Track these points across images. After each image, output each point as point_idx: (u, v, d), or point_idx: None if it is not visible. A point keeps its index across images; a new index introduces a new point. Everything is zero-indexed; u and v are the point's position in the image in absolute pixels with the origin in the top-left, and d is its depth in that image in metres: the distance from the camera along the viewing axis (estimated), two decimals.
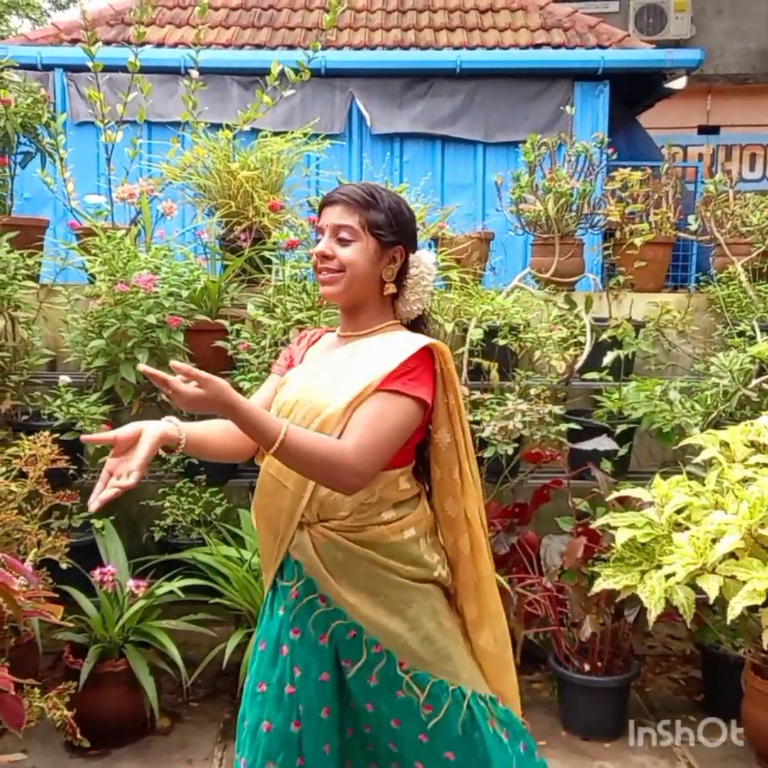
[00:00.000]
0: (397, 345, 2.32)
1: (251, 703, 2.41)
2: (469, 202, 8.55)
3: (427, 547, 2.40)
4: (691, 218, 5.18)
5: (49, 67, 8.78)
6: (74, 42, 8.93)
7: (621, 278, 4.84)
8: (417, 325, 2.49)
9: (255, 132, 5.14)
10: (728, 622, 3.20)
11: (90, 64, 4.77)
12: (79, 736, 3.19)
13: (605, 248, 5.34)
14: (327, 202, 2.35)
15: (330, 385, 2.28)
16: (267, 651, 2.40)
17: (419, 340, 2.33)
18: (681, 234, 5.29)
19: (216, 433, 2.31)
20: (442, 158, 9.16)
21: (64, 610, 3.21)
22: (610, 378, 4.36)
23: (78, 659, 3.75)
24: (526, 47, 9.15)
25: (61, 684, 3.31)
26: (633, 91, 9.51)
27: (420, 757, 2.30)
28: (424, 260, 2.43)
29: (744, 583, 3.18)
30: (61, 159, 4.87)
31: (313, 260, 2.38)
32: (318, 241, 2.37)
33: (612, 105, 9.10)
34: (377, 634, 2.29)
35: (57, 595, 3.33)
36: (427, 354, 2.32)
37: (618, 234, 5.14)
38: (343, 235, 2.31)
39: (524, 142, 5.36)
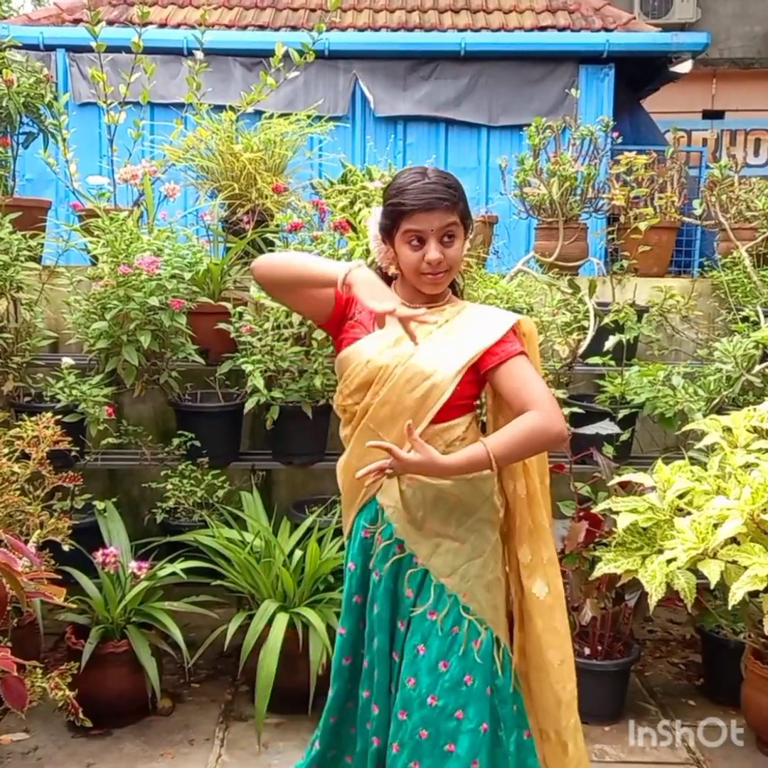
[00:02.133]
0: (493, 318, 2.55)
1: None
2: (472, 186, 8.51)
3: (495, 488, 2.61)
4: (695, 203, 5.17)
5: (51, 48, 8.79)
6: (76, 22, 8.91)
7: (625, 263, 4.82)
8: (453, 290, 2.67)
9: (258, 114, 5.13)
10: (729, 608, 3.20)
11: (93, 44, 4.75)
12: (81, 716, 3.19)
13: (609, 232, 5.33)
14: (425, 208, 2.39)
15: (434, 354, 2.46)
16: (356, 571, 2.67)
17: (510, 314, 2.59)
18: (686, 219, 5.27)
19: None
20: (445, 141, 9.18)
21: (66, 591, 3.23)
22: (613, 363, 4.36)
23: (80, 640, 3.76)
24: (531, 30, 9.15)
25: (63, 664, 3.32)
26: (638, 74, 9.51)
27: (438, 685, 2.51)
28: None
29: (745, 568, 3.18)
30: (64, 140, 4.86)
31: (413, 264, 2.45)
32: (417, 246, 2.43)
33: (617, 89, 9.09)
34: (446, 580, 2.52)
35: (59, 577, 3.33)
36: None
37: (622, 218, 5.13)
38: (447, 237, 2.44)
39: (528, 125, 5.33)
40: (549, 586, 2.62)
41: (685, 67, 9.16)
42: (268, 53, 5.05)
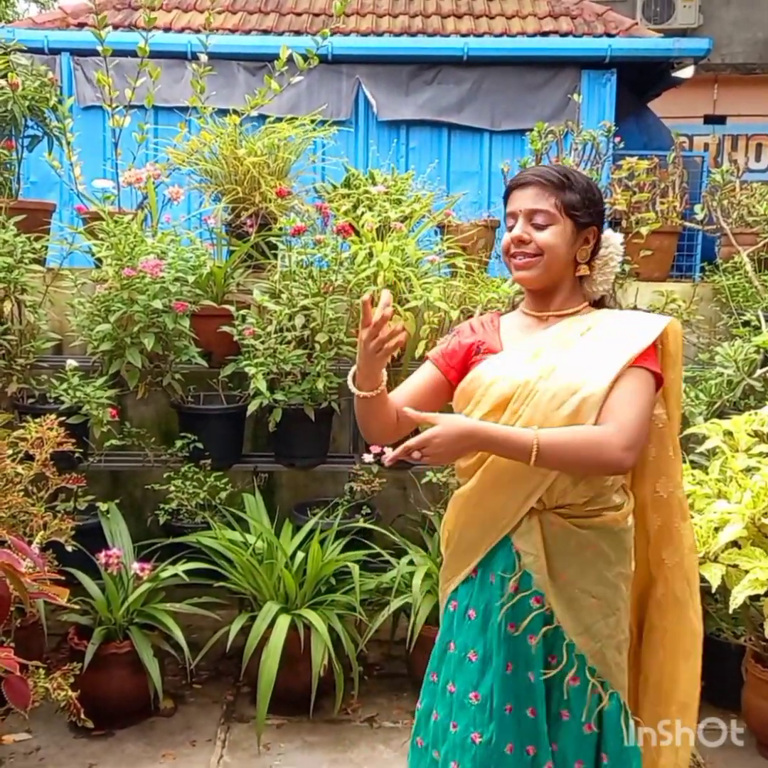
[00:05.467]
0: (639, 323, 2.32)
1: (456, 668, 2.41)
2: (475, 190, 8.53)
3: (632, 543, 2.41)
4: (697, 207, 5.18)
5: (55, 51, 8.75)
6: (81, 26, 8.91)
7: (626, 267, 4.83)
8: (599, 305, 2.47)
9: (262, 118, 5.14)
10: (730, 611, 3.22)
11: (99, 48, 4.75)
12: (83, 716, 3.19)
13: None
14: (517, 185, 2.33)
15: (580, 364, 2.24)
16: (476, 620, 2.39)
17: (660, 318, 2.35)
18: (687, 223, 5.28)
19: (393, 408, 2.38)
20: (448, 146, 9.13)
21: (69, 592, 3.23)
22: None
23: (82, 641, 3.78)
24: (534, 35, 9.11)
25: (66, 665, 3.32)
26: (641, 79, 9.48)
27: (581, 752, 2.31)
28: (613, 241, 2.43)
29: (746, 572, 3.19)
30: (68, 143, 4.86)
31: (504, 245, 2.36)
32: (511, 227, 2.34)
33: (620, 92, 9.06)
34: (576, 638, 2.29)
35: (62, 578, 3.34)
36: None
37: (624, 223, 5.13)
38: (539, 219, 2.30)
39: (531, 130, 5.33)
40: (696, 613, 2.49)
41: (687, 72, 9.14)
42: (272, 57, 5.06)
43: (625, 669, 2.38)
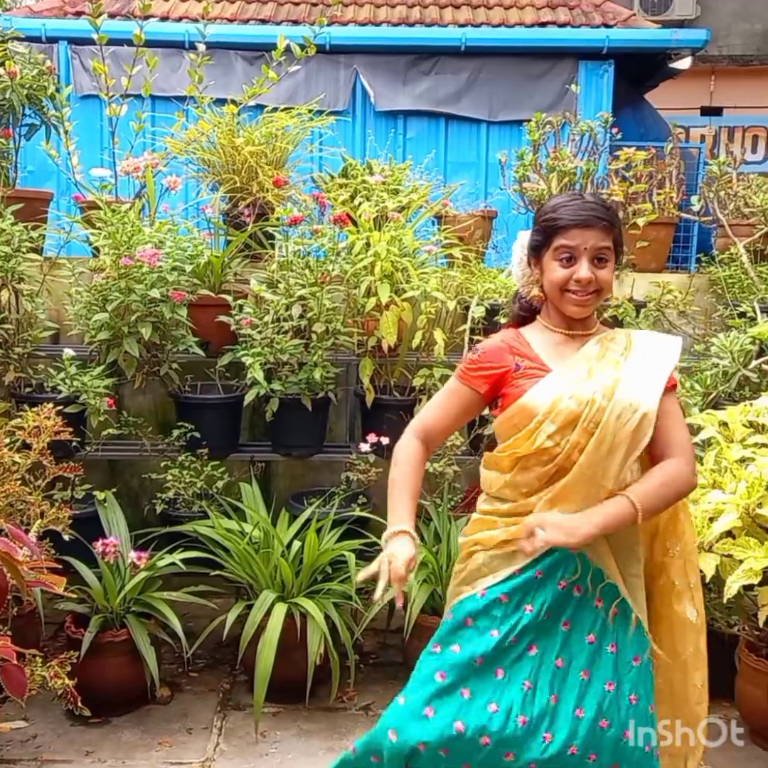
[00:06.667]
0: (664, 345, 2.52)
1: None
2: (472, 181, 8.51)
3: None
4: (693, 199, 5.18)
5: (53, 40, 8.76)
6: (78, 14, 8.89)
7: (623, 258, 4.82)
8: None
9: (260, 107, 5.12)
10: (725, 601, 3.23)
11: (95, 37, 4.74)
12: (80, 704, 3.20)
13: None
14: (581, 224, 2.38)
15: (635, 382, 2.40)
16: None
17: (676, 340, 2.56)
18: (684, 215, 5.28)
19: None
20: (445, 136, 9.15)
21: (66, 580, 3.24)
22: None
23: (79, 629, 3.78)
24: (531, 25, 9.12)
25: (63, 654, 3.33)
26: (638, 70, 9.48)
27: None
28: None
29: (740, 562, 3.20)
30: (66, 132, 4.85)
31: (561, 280, 2.41)
32: (567, 263, 2.40)
33: (618, 83, 9.06)
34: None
35: (59, 566, 3.35)
36: None
37: (621, 214, 5.12)
38: (601, 257, 2.40)
39: (528, 121, 5.34)
40: (697, 610, 2.57)
41: (684, 63, 9.16)
42: (270, 47, 5.04)
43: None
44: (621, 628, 2.46)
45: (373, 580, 2.42)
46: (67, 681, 3.15)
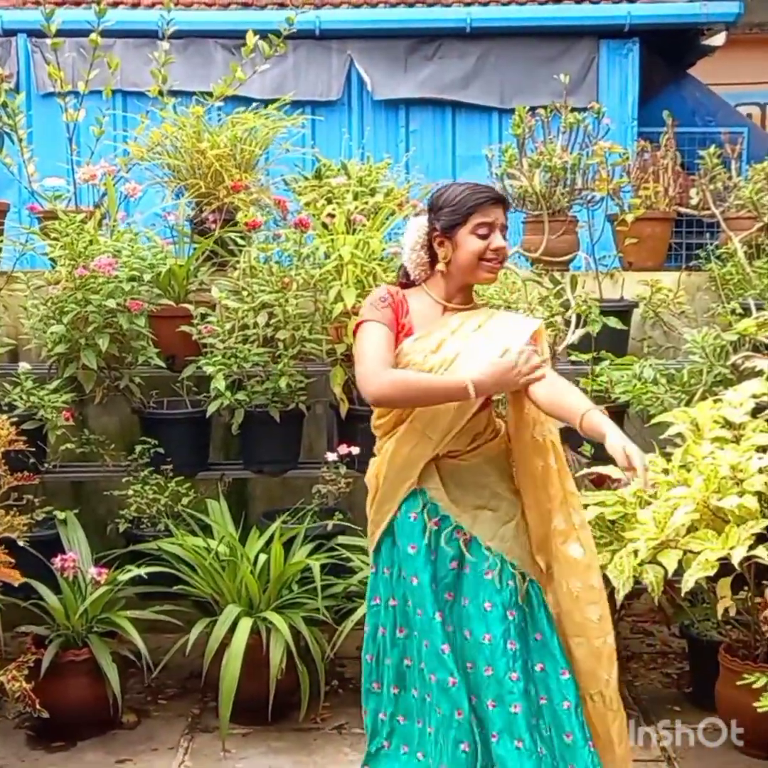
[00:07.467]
0: (520, 323, 3.41)
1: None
2: (483, 176, 9.02)
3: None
4: (692, 192, 5.73)
5: (11, 33, 9.40)
6: (38, 4, 9.43)
7: (613, 256, 5.42)
8: None
9: (247, 100, 5.69)
10: (682, 595, 3.83)
11: (52, 28, 5.31)
12: (39, 707, 3.79)
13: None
14: (496, 200, 3.24)
15: (475, 357, 3.17)
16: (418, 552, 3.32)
17: (533, 320, 3.58)
18: (681, 209, 5.84)
19: None
20: (452, 126, 9.65)
21: (26, 604, 3.71)
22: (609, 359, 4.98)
23: (40, 650, 4.31)
24: (545, 3, 9.64)
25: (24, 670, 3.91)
26: (670, 48, 9.99)
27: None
28: None
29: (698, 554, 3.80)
30: (20, 140, 5.43)
31: (478, 250, 3.20)
32: (484, 235, 3.20)
33: (651, 62, 9.56)
34: (490, 543, 3.29)
35: (12, 561, 3.95)
36: None
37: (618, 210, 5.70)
38: (503, 230, 3.26)
39: (545, 107, 6.01)
40: (584, 547, 3.36)
41: (718, 39, 9.62)
42: (255, 34, 5.60)
43: (533, 562, 3.37)
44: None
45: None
46: (24, 684, 3.76)
